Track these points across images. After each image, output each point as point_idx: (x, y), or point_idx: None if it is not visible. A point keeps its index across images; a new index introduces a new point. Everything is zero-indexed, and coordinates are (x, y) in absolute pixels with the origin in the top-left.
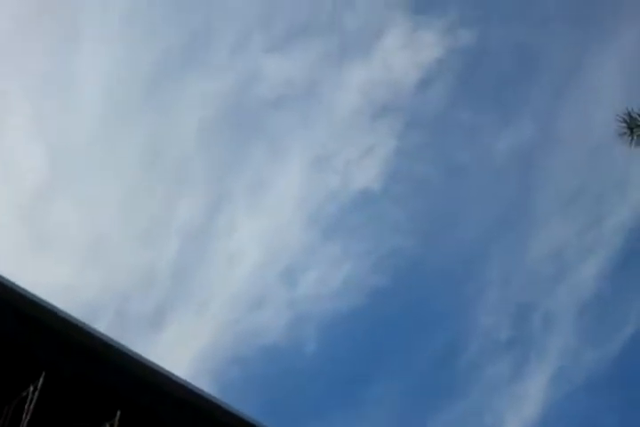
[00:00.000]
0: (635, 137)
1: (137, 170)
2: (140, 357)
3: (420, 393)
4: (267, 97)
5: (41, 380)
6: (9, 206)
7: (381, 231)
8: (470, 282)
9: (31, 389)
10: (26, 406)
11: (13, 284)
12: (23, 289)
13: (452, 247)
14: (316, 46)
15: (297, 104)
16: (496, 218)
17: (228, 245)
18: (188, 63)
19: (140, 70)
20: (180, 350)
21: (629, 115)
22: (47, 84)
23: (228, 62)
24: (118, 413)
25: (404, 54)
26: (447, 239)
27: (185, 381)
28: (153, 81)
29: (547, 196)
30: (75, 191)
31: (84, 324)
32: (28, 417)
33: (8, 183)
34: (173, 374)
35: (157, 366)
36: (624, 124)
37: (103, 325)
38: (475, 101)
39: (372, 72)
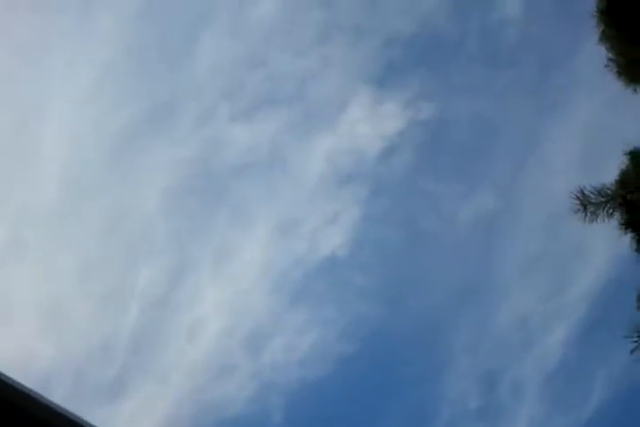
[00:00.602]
0: (588, 213)
1: (97, 238)
2: None
3: None
4: (232, 164)
5: None
6: None
7: (347, 298)
8: (438, 349)
9: None
10: None
11: None
12: None
13: (418, 314)
14: (281, 115)
15: (262, 171)
16: (462, 284)
17: (190, 313)
18: (154, 131)
19: (104, 139)
20: (141, 422)
21: (582, 192)
22: (4, 151)
23: (194, 130)
24: None
25: (368, 125)
26: (413, 305)
27: None
28: (117, 149)
29: (510, 262)
30: (31, 261)
31: (39, 394)
32: None
33: None
34: None
35: None
36: (577, 202)
37: (60, 396)
38: (437, 171)
39: (337, 141)
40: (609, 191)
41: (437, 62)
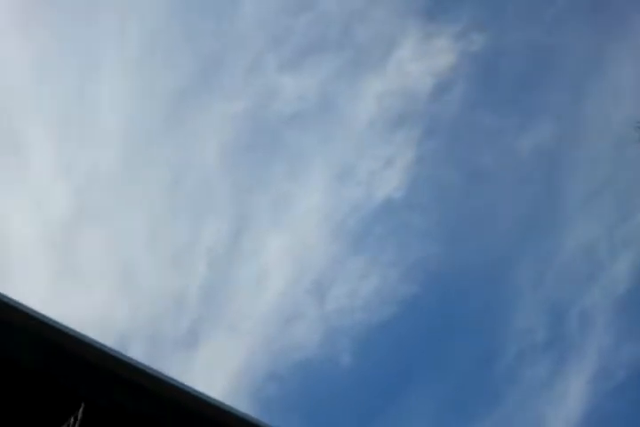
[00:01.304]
0: None
1: (160, 196)
2: (177, 382)
3: (459, 400)
4: (284, 114)
5: (80, 411)
6: (37, 242)
7: (407, 240)
8: (503, 284)
9: (72, 420)
10: None
11: (46, 317)
12: (56, 322)
13: (480, 251)
14: (329, 61)
15: (315, 119)
16: (524, 218)
17: (255, 264)
18: (205, 88)
19: (158, 99)
20: (216, 371)
21: None
22: (67, 118)
23: (244, 84)
24: None
25: (418, 62)
26: (475, 243)
27: (225, 405)
28: (172, 109)
29: (573, 193)
30: (100, 223)
31: (119, 353)
32: None
33: (36, 220)
34: (212, 398)
35: (194, 390)
36: None
37: (138, 351)
38: (493, 104)
39: (388, 82)
40: None
41: None
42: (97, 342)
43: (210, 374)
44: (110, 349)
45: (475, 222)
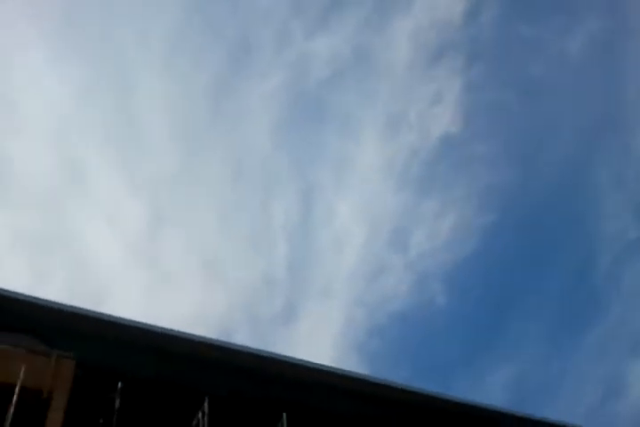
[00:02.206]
0: None
1: (225, 185)
2: (291, 359)
3: (565, 318)
4: (322, 78)
5: (206, 404)
6: (124, 255)
7: (475, 171)
8: (582, 193)
9: (200, 415)
10: None
11: (148, 324)
12: (157, 327)
13: (551, 166)
14: (353, 14)
15: (353, 75)
16: (589, 124)
17: (331, 230)
18: (239, 73)
19: (197, 94)
20: (320, 337)
21: None
22: (118, 135)
23: (276, 58)
24: (284, 415)
25: None
26: (544, 159)
27: (335, 369)
28: (212, 100)
29: (636, 87)
30: (176, 225)
31: (225, 342)
32: None
33: (117, 235)
34: (320, 365)
35: (311, 363)
36: None
37: (243, 336)
38: (529, 15)
39: (417, 20)
40: None
41: None
42: (202, 338)
43: (315, 341)
44: (215, 340)
45: (539, 138)
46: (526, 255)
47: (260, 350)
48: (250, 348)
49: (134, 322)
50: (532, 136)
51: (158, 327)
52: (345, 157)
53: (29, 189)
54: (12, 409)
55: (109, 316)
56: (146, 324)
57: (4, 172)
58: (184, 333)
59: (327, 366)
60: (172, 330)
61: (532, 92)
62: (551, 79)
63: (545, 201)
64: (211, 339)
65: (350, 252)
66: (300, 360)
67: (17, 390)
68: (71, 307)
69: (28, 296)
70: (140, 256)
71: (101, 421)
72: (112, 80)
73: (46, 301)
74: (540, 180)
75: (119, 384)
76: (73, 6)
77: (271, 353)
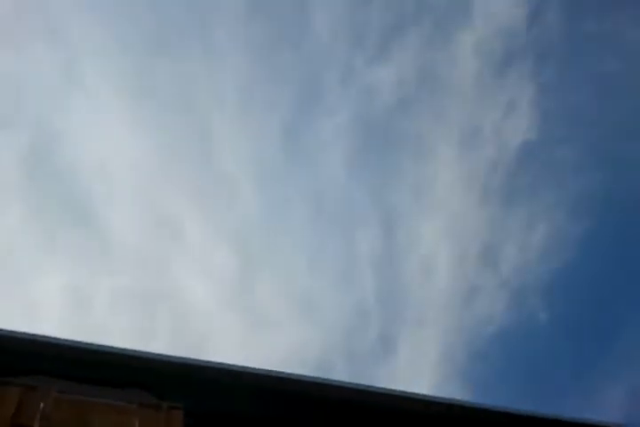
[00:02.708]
0: None
1: (308, 223)
2: (394, 391)
3: None
4: (389, 104)
5: None
6: (220, 302)
7: (559, 178)
8: None
9: None
10: None
11: (252, 368)
12: (263, 369)
13: None
14: (413, 36)
15: (420, 96)
16: None
17: (417, 254)
18: (310, 109)
19: (272, 133)
20: (420, 366)
21: None
22: (202, 186)
23: (343, 92)
24: None
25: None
26: (632, 159)
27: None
28: (287, 138)
29: None
30: (266, 267)
31: (328, 380)
32: None
33: (211, 284)
34: (422, 395)
35: (417, 394)
36: None
37: (340, 373)
38: (592, 10)
39: (478, 31)
40: None
41: None
42: (312, 377)
43: (414, 371)
44: (317, 378)
45: (625, 138)
46: (629, 261)
47: (372, 387)
48: (352, 383)
49: (239, 366)
50: (615, 136)
51: (264, 370)
52: (423, 179)
53: (126, 249)
54: None
55: (215, 363)
56: (250, 367)
57: (102, 236)
58: (291, 373)
59: (427, 396)
60: (280, 372)
61: (608, 88)
62: (628, 74)
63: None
64: (318, 378)
65: (440, 275)
66: (402, 392)
67: None
68: (177, 358)
69: (137, 351)
70: (235, 303)
71: None
72: (191, 134)
73: (153, 354)
74: (631, 181)
75: None
76: (145, 67)
77: (378, 388)
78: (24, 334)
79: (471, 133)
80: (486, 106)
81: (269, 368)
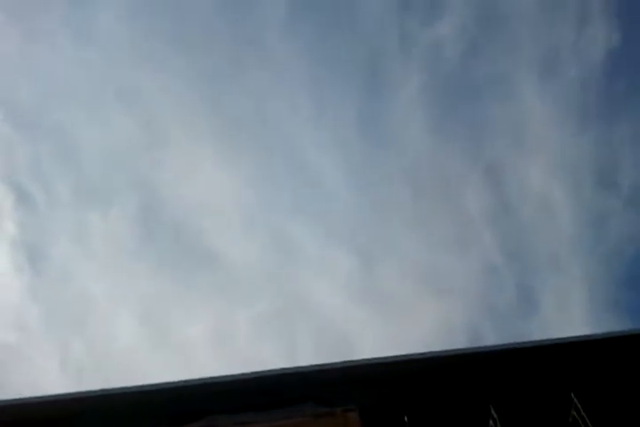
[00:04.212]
0: None
1: (408, 199)
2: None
3: None
4: (458, 56)
5: (492, 411)
6: (349, 299)
7: None
8: None
9: (491, 422)
10: None
11: (409, 355)
12: (417, 354)
13: None
14: None
15: (485, 37)
16: None
17: (531, 197)
18: (380, 85)
19: (349, 125)
20: (569, 308)
21: None
22: (300, 189)
23: (406, 58)
24: None
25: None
26: None
27: None
28: (366, 126)
29: None
30: (382, 256)
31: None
32: None
33: (336, 285)
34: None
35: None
36: None
37: (491, 335)
38: None
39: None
40: None
41: None
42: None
43: (566, 313)
44: (484, 347)
45: None
46: None
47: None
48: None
49: (393, 357)
50: None
51: (418, 354)
52: (514, 121)
53: (251, 275)
54: None
55: (370, 359)
56: (404, 354)
57: (226, 269)
58: (455, 349)
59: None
60: (445, 350)
61: None
62: None
63: None
64: (480, 347)
65: (561, 210)
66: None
67: None
68: (333, 364)
69: (295, 368)
70: (366, 297)
71: None
72: (278, 149)
73: (312, 366)
74: None
75: (405, 418)
76: (214, 95)
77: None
78: (193, 380)
79: (549, 60)
80: (556, 27)
81: (421, 351)
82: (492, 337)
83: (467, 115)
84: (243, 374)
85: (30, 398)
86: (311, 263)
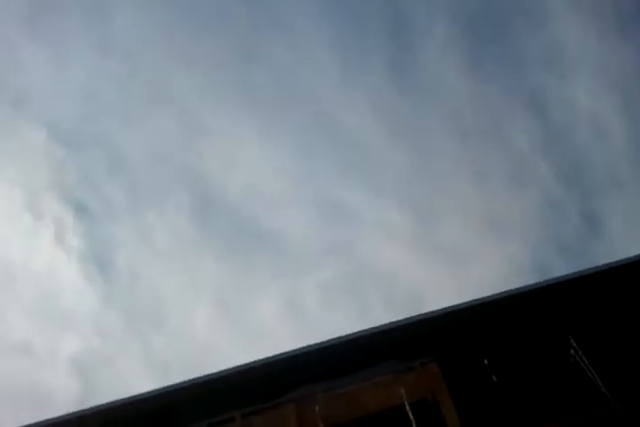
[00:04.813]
0: None
1: (455, 142)
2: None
3: None
4: None
5: (572, 342)
6: (409, 255)
7: None
8: None
9: (572, 352)
10: None
11: (480, 299)
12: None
13: None
14: None
15: None
16: None
17: (582, 121)
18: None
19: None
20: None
21: None
22: (344, 153)
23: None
24: None
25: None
26: None
27: None
28: (394, 71)
29: None
30: (439, 212)
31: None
32: None
33: (395, 242)
34: None
35: None
36: None
37: (562, 266)
38: None
39: None
40: None
41: None
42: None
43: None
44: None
45: None
46: None
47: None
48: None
49: (467, 302)
50: None
51: (487, 297)
52: (553, 45)
53: (311, 246)
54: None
55: (444, 308)
56: (476, 299)
57: (285, 245)
58: (524, 286)
59: None
60: (514, 289)
61: None
62: None
63: None
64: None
65: (615, 131)
66: None
67: (408, 408)
68: (408, 318)
69: (374, 327)
70: (427, 252)
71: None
72: (314, 121)
73: (389, 324)
74: None
75: (485, 361)
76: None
77: None
78: (283, 354)
79: None
80: None
81: (493, 293)
82: (563, 269)
83: (498, 50)
84: (322, 342)
85: (128, 398)
86: (368, 226)
